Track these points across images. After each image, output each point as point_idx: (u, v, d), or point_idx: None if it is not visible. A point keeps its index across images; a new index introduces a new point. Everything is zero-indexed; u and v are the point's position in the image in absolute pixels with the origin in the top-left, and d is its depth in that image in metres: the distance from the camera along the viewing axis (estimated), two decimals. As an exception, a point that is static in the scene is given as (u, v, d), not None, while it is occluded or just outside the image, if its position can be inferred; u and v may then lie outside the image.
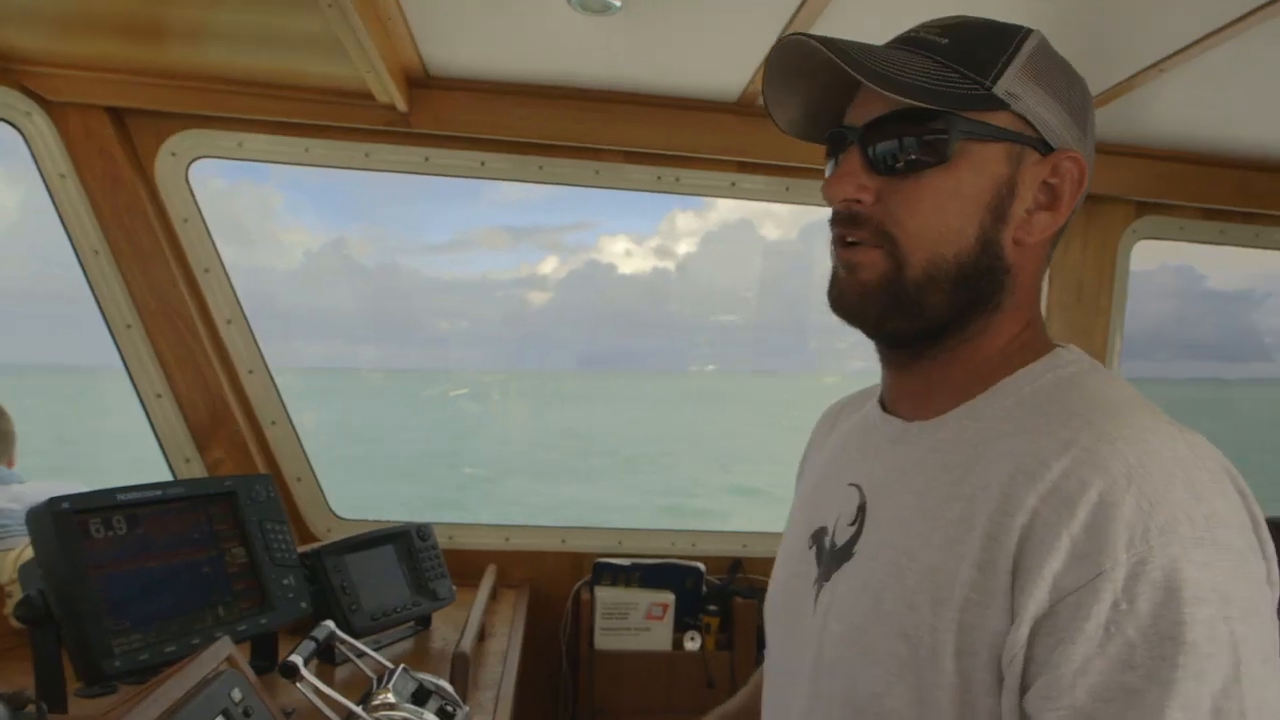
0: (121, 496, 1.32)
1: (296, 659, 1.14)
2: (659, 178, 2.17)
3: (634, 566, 2.18)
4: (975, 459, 0.72)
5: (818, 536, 0.86)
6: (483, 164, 2.13)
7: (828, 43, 0.71)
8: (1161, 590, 0.58)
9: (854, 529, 0.81)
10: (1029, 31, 0.76)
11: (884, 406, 0.86)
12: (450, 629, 1.82)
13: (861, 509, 0.81)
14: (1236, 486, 0.67)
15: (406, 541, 1.83)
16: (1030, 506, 0.64)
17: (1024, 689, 0.62)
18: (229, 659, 1.04)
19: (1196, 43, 1.56)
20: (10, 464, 2.29)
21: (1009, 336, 0.78)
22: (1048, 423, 0.69)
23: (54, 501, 1.24)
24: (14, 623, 1.29)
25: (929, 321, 0.75)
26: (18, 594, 1.30)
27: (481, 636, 1.76)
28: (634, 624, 2.14)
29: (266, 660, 1.52)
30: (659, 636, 2.14)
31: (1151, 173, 2.18)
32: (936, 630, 0.67)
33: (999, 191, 0.74)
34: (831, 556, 0.82)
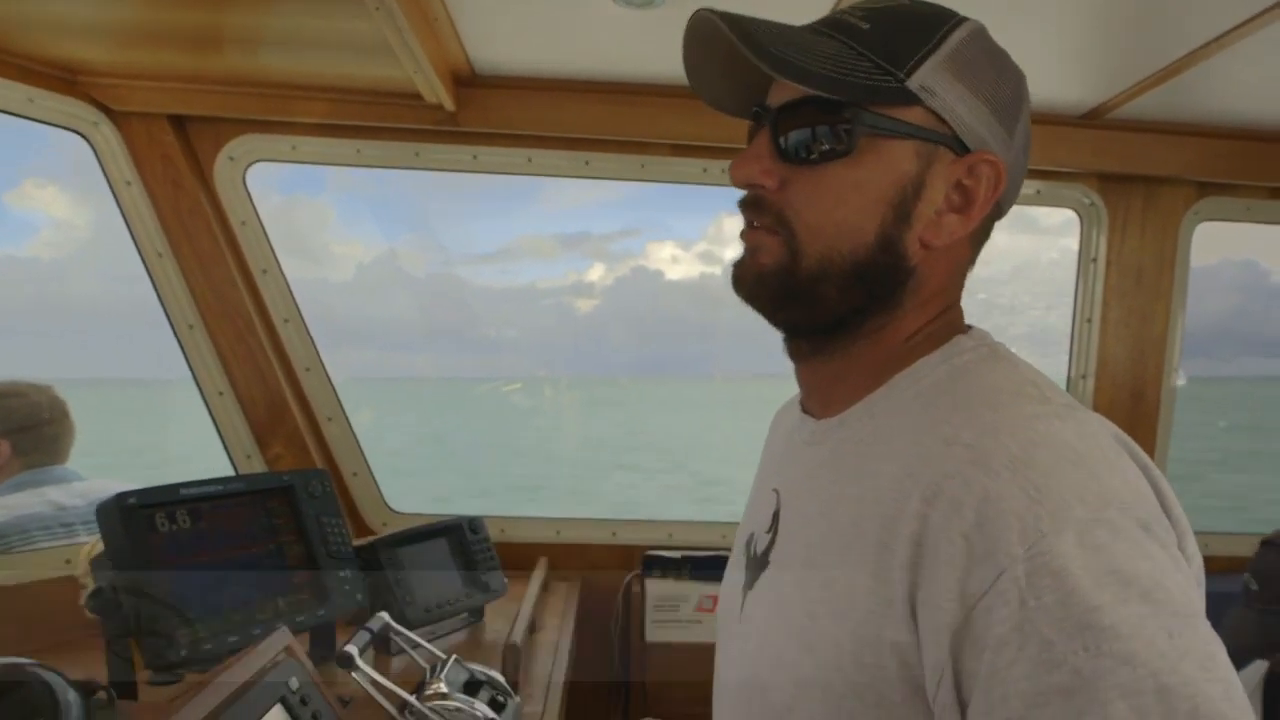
0: (184, 491, 1.37)
1: (352, 649, 1.17)
2: (705, 169, 2.16)
3: (684, 559, 2.19)
4: (868, 460, 0.70)
5: (749, 543, 0.84)
6: (530, 160, 2.14)
7: (733, 22, 0.69)
8: (1062, 579, 0.55)
9: (770, 536, 0.79)
10: (960, 21, 0.72)
11: (802, 406, 0.84)
12: (502, 621, 1.85)
13: (776, 515, 0.80)
14: (1137, 461, 0.64)
15: (459, 534, 1.86)
16: (919, 512, 0.62)
17: (962, 706, 0.58)
18: (287, 649, 1.08)
19: (1259, 15, 1.50)
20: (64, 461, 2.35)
21: (912, 330, 0.75)
22: (933, 420, 0.67)
23: (121, 497, 1.29)
24: (88, 614, 1.35)
25: (822, 314, 0.73)
26: (91, 586, 1.36)
27: (533, 628, 1.79)
28: (685, 616, 2.15)
29: (325, 650, 1.56)
30: (710, 629, 2.14)
31: (1213, 152, 2.10)
32: (838, 643, 0.65)
33: (904, 190, 0.70)
34: (755, 564, 0.81)
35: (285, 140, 2.08)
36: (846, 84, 0.68)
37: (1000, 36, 0.76)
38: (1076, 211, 2.26)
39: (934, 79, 0.69)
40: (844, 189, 0.70)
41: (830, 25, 0.73)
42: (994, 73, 0.73)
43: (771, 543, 0.79)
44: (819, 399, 0.80)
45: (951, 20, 0.72)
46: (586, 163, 2.15)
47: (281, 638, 1.08)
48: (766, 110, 0.74)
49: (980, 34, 0.73)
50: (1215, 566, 2.04)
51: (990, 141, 0.72)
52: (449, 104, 1.96)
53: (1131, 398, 2.28)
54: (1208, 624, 0.57)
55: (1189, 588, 0.59)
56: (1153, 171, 2.16)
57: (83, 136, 1.96)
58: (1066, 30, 1.67)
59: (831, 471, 0.74)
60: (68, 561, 1.73)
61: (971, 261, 0.79)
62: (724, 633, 0.88)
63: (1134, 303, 2.25)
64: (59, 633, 1.64)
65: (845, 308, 0.73)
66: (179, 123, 2.03)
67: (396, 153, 2.12)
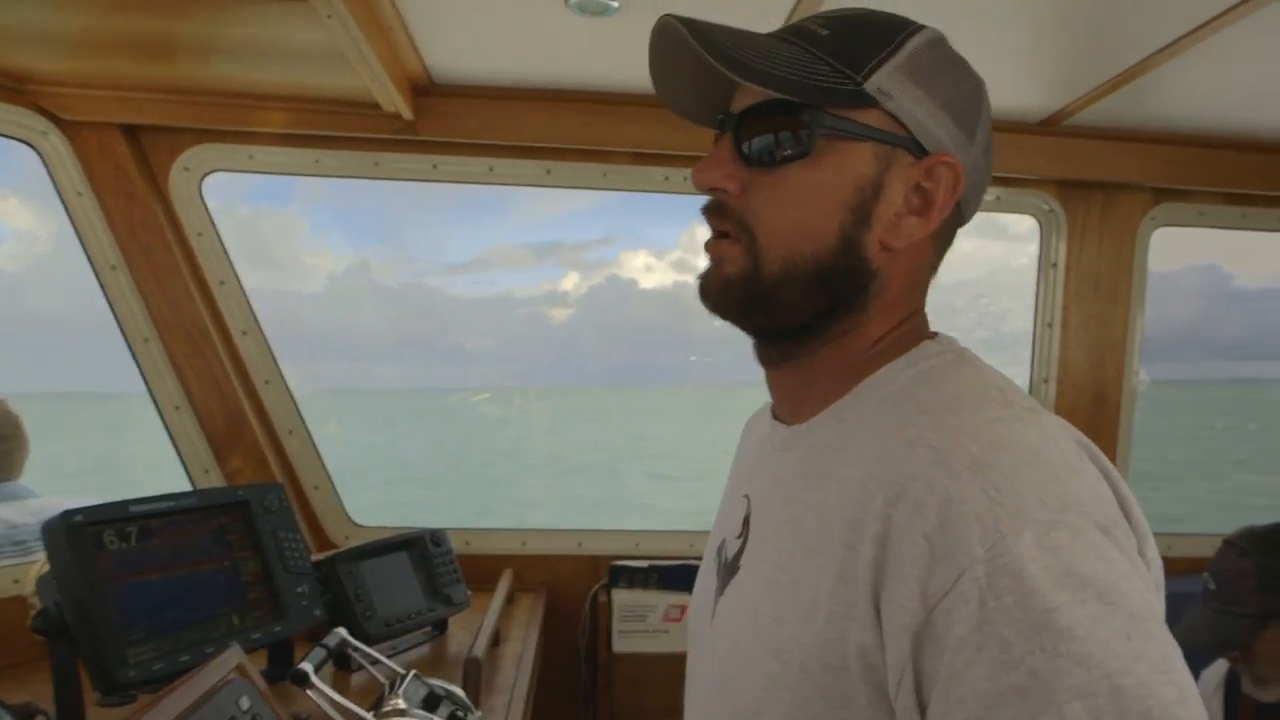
0: (134, 508, 1.34)
1: (306, 667, 1.15)
2: (666, 177, 2.16)
3: (651, 568, 2.18)
4: (834, 465, 0.70)
5: (720, 550, 0.85)
6: (490, 169, 2.13)
7: (694, 28, 0.69)
8: (1021, 580, 0.55)
9: (740, 542, 0.80)
10: (918, 28, 0.73)
11: (774, 413, 0.85)
12: (466, 634, 1.82)
13: (746, 521, 0.80)
14: (1098, 465, 0.65)
15: (420, 548, 1.84)
16: (883, 513, 0.62)
17: (922, 707, 0.58)
18: (238, 667, 1.05)
19: (1211, 21, 1.53)
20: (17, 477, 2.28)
21: (878, 335, 0.76)
22: (899, 423, 0.68)
23: (68, 514, 1.26)
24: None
25: (786, 319, 0.74)
26: (39, 606, 1.32)
27: (497, 641, 1.76)
28: (652, 626, 2.13)
29: (283, 668, 1.53)
30: (677, 638, 2.13)
31: (1169, 158, 2.13)
32: (804, 645, 0.65)
33: (862, 191, 0.71)
34: (726, 570, 0.81)
35: (242, 150, 2.05)
36: (804, 86, 0.69)
37: (956, 44, 0.77)
38: (1036, 218, 2.28)
39: (891, 82, 0.70)
40: (802, 191, 0.71)
41: (791, 32, 0.74)
42: (952, 78, 0.74)
43: (742, 548, 0.79)
44: (789, 405, 0.81)
45: (910, 27, 0.73)
46: (548, 171, 2.14)
47: (233, 656, 1.05)
48: (730, 116, 0.75)
49: (938, 41, 0.74)
50: (1179, 567, 2.07)
51: (948, 144, 0.72)
52: (407, 113, 1.94)
53: (1092, 401, 2.30)
54: (1165, 628, 0.58)
55: (1147, 591, 0.59)
56: (1110, 178, 2.19)
57: (31, 146, 1.92)
58: (1022, 38, 1.68)
59: (801, 477, 0.74)
60: (16, 581, 1.68)
61: (934, 266, 0.79)
62: (695, 639, 0.88)
63: (1093, 308, 2.27)
64: (9, 654, 1.59)
65: (809, 312, 0.73)
66: (132, 132, 1.99)
67: (355, 162, 2.09)
